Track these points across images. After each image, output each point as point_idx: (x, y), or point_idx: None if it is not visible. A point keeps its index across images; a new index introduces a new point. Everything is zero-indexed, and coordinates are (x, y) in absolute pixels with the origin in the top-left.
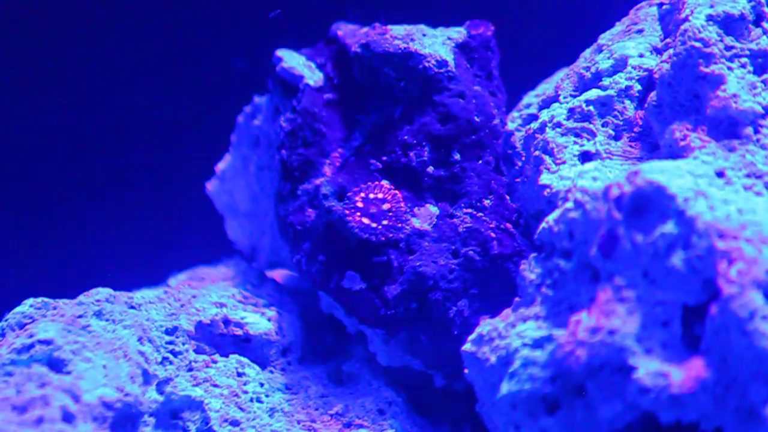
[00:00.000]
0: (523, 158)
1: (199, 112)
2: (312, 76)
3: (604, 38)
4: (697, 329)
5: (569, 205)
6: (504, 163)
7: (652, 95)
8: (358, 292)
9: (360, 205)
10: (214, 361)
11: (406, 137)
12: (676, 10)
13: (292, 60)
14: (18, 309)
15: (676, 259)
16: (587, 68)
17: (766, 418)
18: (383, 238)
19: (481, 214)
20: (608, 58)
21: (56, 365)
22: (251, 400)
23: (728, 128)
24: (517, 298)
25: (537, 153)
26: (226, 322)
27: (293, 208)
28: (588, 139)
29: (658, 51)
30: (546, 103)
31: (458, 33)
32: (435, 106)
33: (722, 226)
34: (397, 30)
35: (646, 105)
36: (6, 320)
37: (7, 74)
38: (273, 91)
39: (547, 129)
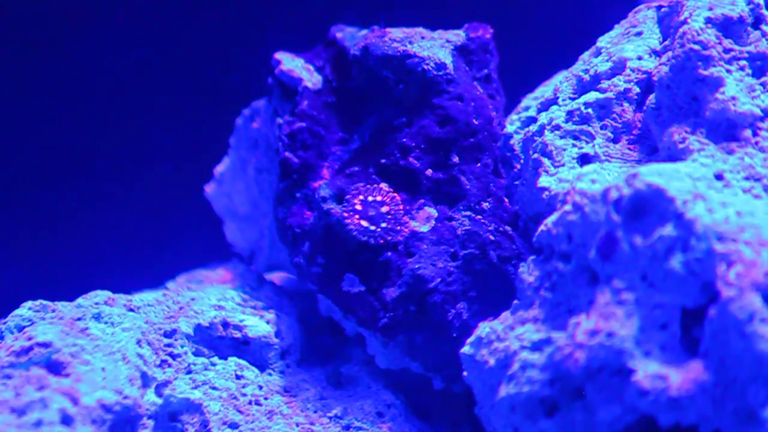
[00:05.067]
0: (522, 161)
1: (198, 114)
2: (311, 78)
3: (602, 41)
4: (696, 332)
5: (568, 207)
6: (503, 165)
7: (651, 98)
8: (356, 295)
9: (359, 207)
10: (213, 364)
11: (404, 140)
12: (675, 13)
13: (291, 63)
14: (17, 312)
15: (675, 261)
16: (586, 71)
17: (764, 421)
18: (382, 241)
19: (479, 216)
20: (607, 60)
21: (55, 368)
22: (250, 402)
23: (727, 131)
24: (515, 301)
25: (536, 155)
26: (225, 324)
27: (292, 211)
28: (587, 142)
29: (656, 54)
30: (545, 106)
31: (457, 36)
32: (434, 108)
33: (721, 228)
34: (396, 33)
35: (644, 107)
36: (5, 323)
37: (7, 74)
38: (272, 93)
39: (546, 131)
